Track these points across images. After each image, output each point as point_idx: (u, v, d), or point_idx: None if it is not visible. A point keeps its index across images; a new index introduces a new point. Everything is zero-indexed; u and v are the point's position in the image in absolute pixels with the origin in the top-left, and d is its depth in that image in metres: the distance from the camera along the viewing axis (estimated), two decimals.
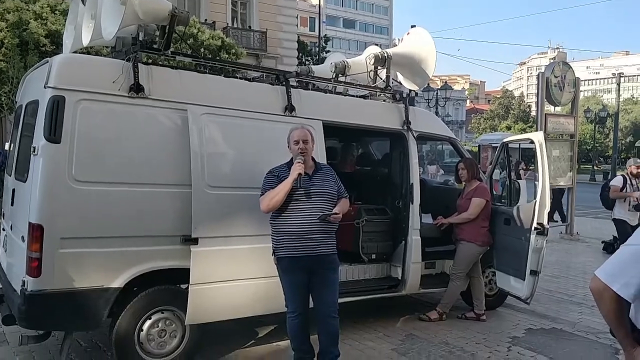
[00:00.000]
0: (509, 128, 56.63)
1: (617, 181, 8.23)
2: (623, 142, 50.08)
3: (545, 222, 5.22)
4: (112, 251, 3.82)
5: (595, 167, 40.01)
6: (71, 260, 3.67)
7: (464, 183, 5.92)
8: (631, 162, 8.52)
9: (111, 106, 3.85)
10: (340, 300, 4.04)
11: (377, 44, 8.10)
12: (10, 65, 11.19)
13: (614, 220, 8.18)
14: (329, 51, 27.83)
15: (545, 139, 5.68)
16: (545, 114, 11.49)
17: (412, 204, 5.40)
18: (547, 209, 5.29)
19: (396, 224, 5.63)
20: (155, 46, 4.28)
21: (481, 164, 22.54)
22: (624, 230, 7.89)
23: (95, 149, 3.76)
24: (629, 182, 7.99)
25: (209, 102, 4.25)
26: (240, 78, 4.97)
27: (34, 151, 3.68)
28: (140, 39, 4.13)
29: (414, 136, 5.55)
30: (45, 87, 3.70)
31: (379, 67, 5.73)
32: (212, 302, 4.16)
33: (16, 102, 5.22)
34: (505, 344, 5.12)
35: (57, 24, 12.07)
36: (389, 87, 5.66)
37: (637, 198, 7.83)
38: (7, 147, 6.39)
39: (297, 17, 27.33)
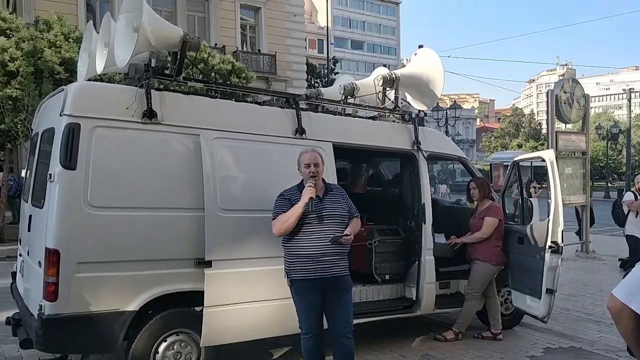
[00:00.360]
0: (520, 146, 56.43)
1: (628, 196, 8.24)
2: (636, 158, 49.70)
3: (559, 240, 5.18)
4: (128, 275, 3.85)
5: (609, 184, 39.60)
6: (87, 285, 3.71)
7: (476, 202, 5.90)
8: (638, 178, 8.56)
9: (125, 132, 3.93)
10: (355, 321, 4.03)
11: (385, 65, 8.21)
12: (26, 94, 11.39)
13: (627, 236, 8.16)
14: (337, 73, 28.13)
15: (556, 157, 5.67)
16: (556, 131, 11.47)
17: (425, 224, 5.38)
18: (561, 226, 5.24)
19: (409, 244, 5.61)
20: (167, 72, 4.36)
21: (493, 182, 22.46)
22: (635, 247, 7.82)
23: (110, 175, 3.82)
24: (638, 198, 7.98)
25: (220, 127, 4.31)
26: (251, 102, 5.04)
27: (50, 178, 3.74)
28: (153, 65, 4.22)
29: (424, 156, 5.56)
30: (61, 115, 3.77)
31: (388, 88, 5.77)
32: (226, 324, 4.17)
33: (32, 130, 5.32)
34: None
35: (71, 51, 12.31)
36: (397, 108, 5.69)
37: None
38: (23, 174, 6.49)
39: (305, 40, 27.65)
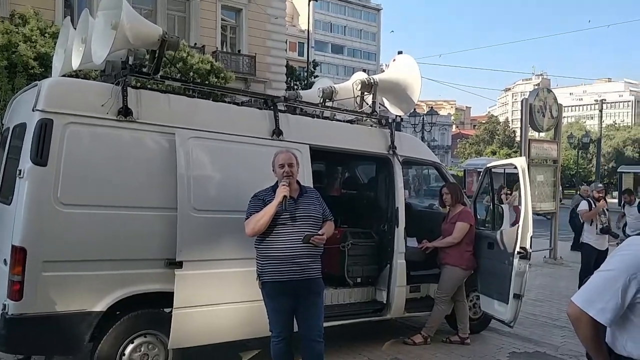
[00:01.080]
0: (494, 153, 57.21)
1: (583, 205, 8.20)
2: (606, 167, 50.79)
3: (528, 246, 5.29)
4: (96, 274, 3.80)
5: (578, 192, 40.46)
6: (54, 284, 3.65)
7: (448, 207, 5.99)
8: (592, 187, 8.58)
9: (99, 129, 3.88)
10: (325, 325, 4.04)
11: (364, 70, 8.29)
12: None
13: (581, 244, 8.14)
14: (317, 76, 28.15)
15: (528, 164, 5.81)
16: (529, 139, 11.70)
17: (398, 227, 5.45)
18: (530, 233, 5.36)
19: (381, 247, 5.67)
20: (144, 70, 4.33)
21: (466, 188, 22.75)
22: (588, 255, 7.84)
23: (82, 172, 3.77)
24: (593, 206, 7.97)
25: (197, 126, 4.29)
26: (229, 102, 5.03)
27: (19, 174, 3.68)
28: (130, 63, 4.19)
29: (399, 161, 5.62)
30: (33, 110, 3.72)
31: (366, 93, 5.83)
32: (195, 326, 4.14)
33: (3, 125, 5.22)
34: None
35: (47, 46, 12.08)
36: (375, 113, 5.75)
37: (601, 228, 7.79)
38: None
39: (286, 42, 27.63)
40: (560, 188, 13.54)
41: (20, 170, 3.68)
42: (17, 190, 3.69)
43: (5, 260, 3.71)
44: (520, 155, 10.97)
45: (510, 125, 73.92)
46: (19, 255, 3.54)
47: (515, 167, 5.62)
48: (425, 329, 5.72)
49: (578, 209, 8.44)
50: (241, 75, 22.17)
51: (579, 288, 2.22)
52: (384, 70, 7.31)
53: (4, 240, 3.81)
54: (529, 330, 6.38)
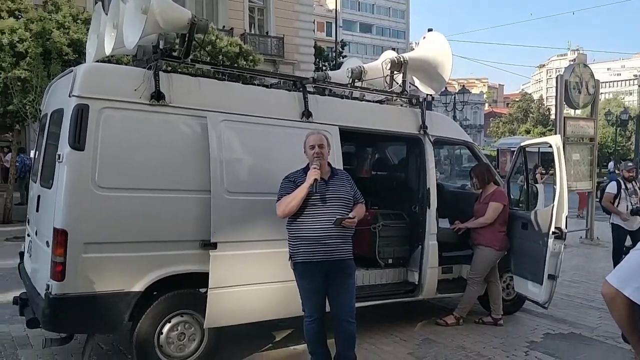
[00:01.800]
0: (528, 132, 56.03)
1: (611, 187, 7.76)
2: None
3: (563, 226, 5.19)
4: (133, 256, 3.91)
5: (617, 171, 39.30)
6: (94, 265, 3.77)
7: (479, 189, 5.92)
8: (623, 165, 8.18)
9: (133, 114, 3.95)
10: (357, 305, 4.07)
11: (393, 48, 8.18)
12: (34, 75, 11.43)
13: (611, 224, 7.78)
14: (345, 56, 27.93)
15: (564, 143, 5.66)
16: (565, 117, 11.40)
17: (429, 208, 5.41)
18: (565, 212, 5.25)
19: (413, 228, 5.65)
20: (175, 54, 4.37)
21: (500, 168, 22.36)
22: (619, 236, 7.57)
23: (117, 156, 3.86)
24: (623, 186, 7.61)
25: (227, 109, 4.33)
26: (258, 84, 5.05)
27: (58, 158, 3.78)
28: (161, 47, 4.23)
29: (430, 141, 5.56)
30: (69, 96, 3.81)
31: (396, 72, 5.76)
32: (230, 305, 4.23)
33: (40, 111, 5.36)
34: (522, 348, 5.09)
35: (79, 33, 12.31)
36: (405, 92, 5.68)
37: (632, 208, 7.40)
38: (32, 154, 6.53)
39: (313, 22, 27.46)
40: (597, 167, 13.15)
41: (59, 155, 3.79)
42: (57, 175, 3.80)
43: (47, 242, 3.85)
44: (555, 134, 10.70)
45: (544, 103, 72.16)
46: (60, 237, 3.66)
47: (550, 146, 5.49)
48: (457, 310, 5.71)
49: (606, 189, 7.98)
50: (269, 57, 22.21)
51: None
52: (413, 49, 7.19)
53: (46, 222, 3.95)
54: (563, 312, 6.29)
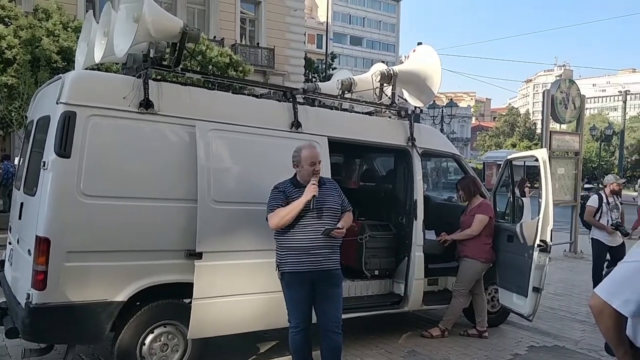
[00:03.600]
0: (514, 145, 56.57)
1: (592, 201, 7.53)
2: (629, 160, 49.89)
3: (548, 239, 5.24)
4: (117, 265, 3.86)
5: (600, 186, 39.74)
6: (76, 274, 3.72)
7: (466, 201, 5.97)
8: (611, 179, 7.81)
9: (121, 122, 3.93)
10: (343, 316, 4.06)
11: (383, 61, 8.22)
12: (22, 81, 11.38)
13: (591, 239, 7.53)
14: (335, 68, 28.07)
15: (550, 157, 5.71)
16: (550, 131, 11.52)
17: (416, 220, 5.43)
18: (550, 226, 5.29)
19: (399, 240, 5.66)
20: (165, 63, 4.37)
21: (485, 181, 22.53)
22: (598, 251, 7.35)
23: (104, 164, 3.83)
24: (605, 200, 7.38)
25: (216, 118, 4.32)
26: (248, 95, 5.06)
27: (43, 166, 3.75)
28: (151, 55, 4.23)
29: (418, 153, 5.60)
30: (57, 103, 3.78)
31: (385, 84, 5.81)
32: (214, 316, 4.20)
33: (27, 118, 5.31)
34: None
35: (69, 40, 12.29)
36: (394, 104, 5.73)
37: (612, 223, 7.22)
38: (16, 161, 6.47)
39: (304, 34, 27.59)
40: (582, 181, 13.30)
41: (44, 162, 3.75)
42: (41, 182, 3.76)
43: (29, 250, 3.79)
44: (542, 147, 10.83)
45: (531, 117, 72.95)
46: (43, 245, 3.61)
47: (536, 159, 5.55)
48: (442, 322, 5.72)
49: (587, 203, 7.77)
50: (260, 67, 22.25)
51: (593, 285, 2.20)
52: (403, 62, 7.26)
53: (29, 230, 3.90)
54: (548, 324, 6.33)
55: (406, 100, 6.46)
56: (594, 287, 2.20)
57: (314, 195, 3.82)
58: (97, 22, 4.72)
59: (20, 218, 4.37)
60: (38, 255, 3.62)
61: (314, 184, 3.86)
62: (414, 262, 5.40)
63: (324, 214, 3.90)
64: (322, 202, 3.91)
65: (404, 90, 6.33)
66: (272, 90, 5.26)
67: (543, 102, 11.82)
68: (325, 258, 3.89)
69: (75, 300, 3.71)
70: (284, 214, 3.81)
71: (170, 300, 4.19)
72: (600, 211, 7.41)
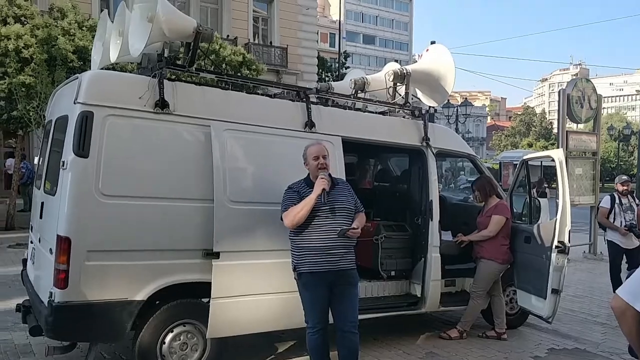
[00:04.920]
0: (530, 145, 56.04)
1: (604, 202, 7.42)
2: None
3: (566, 240, 5.16)
4: (136, 264, 3.89)
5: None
6: (97, 273, 3.75)
7: (482, 202, 5.90)
8: (617, 179, 7.69)
9: (137, 121, 3.95)
10: (360, 317, 4.05)
11: (397, 60, 8.20)
12: (39, 81, 11.47)
13: (607, 241, 7.42)
14: (348, 67, 28.05)
15: (567, 157, 5.64)
16: (567, 131, 11.37)
17: (432, 220, 5.39)
18: (568, 226, 5.22)
19: (415, 240, 5.62)
20: (179, 62, 4.38)
21: (502, 181, 22.35)
22: (614, 254, 7.26)
23: (121, 164, 3.85)
24: (617, 201, 7.28)
25: (231, 118, 4.33)
26: (262, 94, 5.05)
27: (62, 165, 3.77)
28: (166, 55, 4.24)
29: (433, 152, 5.55)
30: (74, 103, 3.80)
31: (398, 84, 5.76)
32: (232, 316, 4.20)
33: (44, 117, 5.36)
34: None
35: (85, 39, 12.37)
36: (408, 104, 5.69)
37: (625, 225, 7.08)
38: (35, 161, 6.52)
39: (317, 33, 27.62)
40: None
41: (63, 162, 3.77)
42: (61, 182, 3.79)
43: (51, 250, 3.83)
44: (558, 148, 10.69)
45: (547, 116, 72.25)
46: (64, 244, 3.64)
47: (553, 160, 5.48)
48: (460, 324, 5.66)
49: (600, 204, 7.72)
50: (273, 67, 22.28)
51: (612, 287, 2.16)
52: (416, 61, 7.21)
53: (50, 230, 3.93)
54: (567, 327, 6.24)
55: (420, 100, 6.42)
56: (614, 289, 2.16)
57: (324, 189, 3.80)
58: (112, 22, 4.75)
59: (41, 217, 4.41)
60: (59, 255, 3.66)
61: (322, 178, 3.85)
62: (430, 263, 5.35)
63: (338, 213, 3.89)
64: (335, 201, 3.90)
65: (417, 90, 6.28)
66: (285, 90, 5.25)
67: (559, 101, 11.66)
68: (341, 258, 3.87)
69: (96, 298, 3.74)
70: (297, 211, 3.81)
71: (189, 300, 4.20)
72: (613, 212, 7.31)
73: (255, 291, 4.28)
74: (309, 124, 4.73)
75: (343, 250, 3.88)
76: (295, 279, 3.97)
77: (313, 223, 3.84)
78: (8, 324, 5.48)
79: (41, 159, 4.96)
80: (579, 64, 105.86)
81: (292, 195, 3.91)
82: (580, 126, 14.51)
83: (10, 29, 11.71)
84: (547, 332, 5.97)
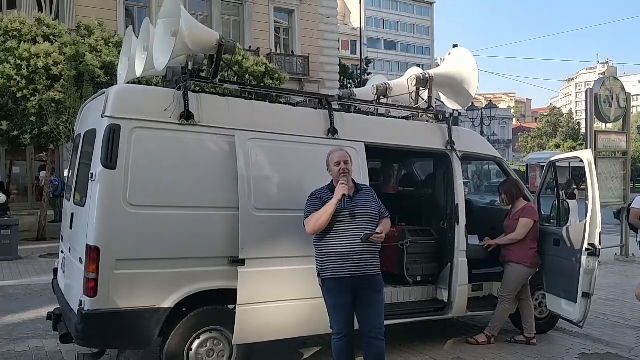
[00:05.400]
0: (557, 146, 55.10)
1: (637, 203, 7.13)
2: None
3: (597, 242, 5.06)
4: (164, 272, 3.96)
5: None
6: (125, 281, 3.83)
7: (509, 205, 5.83)
8: None
9: (163, 133, 4.03)
10: (386, 323, 4.03)
11: (419, 65, 8.18)
12: (68, 97, 11.81)
13: (639, 243, 7.25)
14: (370, 73, 28.05)
15: (596, 157, 5.54)
16: (595, 131, 11.15)
17: (458, 225, 5.34)
18: (599, 228, 5.12)
19: (442, 245, 5.58)
20: (203, 75, 4.47)
21: (529, 183, 21.99)
22: None
23: (148, 175, 3.93)
24: None
25: (255, 128, 4.38)
26: (285, 103, 5.10)
27: (91, 177, 3.88)
28: (190, 68, 4.32)
29: (458, 156, 5.52)
30: (102, 117, 3.91)
31: (421, 88, 5.75)
32: (258, 322, 4.23)
33: (74, 131, 5.51)
34: None
35: (111, 55, 12.69)
36: (431, 108, 5.67)
37: None
38: (65, 174, 6.70)
39: (338, 41, 27.68)
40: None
41: (92, 174, 3.88)
42: (90, 193, 3.90)
43: (80, 259, 3.93)
44: (586, 148, 10.49)
45: (574, 117, 70.92)
46: (93, 254, 3.74)
47: (581, 161, 5.39)
48: (488, 329, 5.59)
49: (632, 204, 7.38)
50: (295, 76, 22.44)
51: None
52: (439, 65, 7.17)
53: (80, 240, 4.04)
54: (599, 331, 6.10)
55: (444, 104, 6.39)
56: None
57: (344, 195, 3.81)
58: (137, 37, 4.87)
59: (71, 228, 4.53)
60: (89, 264, 3.75)
61: (342, 183, 3.87)
62: (457, 267, 5.31)
63: (361, 218, 3.89)
64: (356, 206, 3.91)
65: (440, 94, 6.25)
66: (308, 98, 5.29)
67: (586, 101, 11.45)
68: (365, 263, 3.87)
69: (124, 306, 3.82)
70: (318, 217, 3.83)
71: (215, 307, 4.25)
72: None
73: (281, 297, 4.30)
74: (332, 131, 4.75)
75: (367, 256, 3.87)
76: (319, 285, 3.98)
77: (335, 228, 3.86)
78: (40, 332, 5.63)
79: (71, 171, 5.09)
80: (606, 62, 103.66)
81: (315, 202, 3.94)
82: (609, 125, 14.22)
83: (40, 48, 12.10)
84: (577, 336, 5.85)
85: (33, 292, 7.63)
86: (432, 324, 5.59)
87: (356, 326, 3.99)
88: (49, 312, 4.68)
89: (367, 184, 4.58)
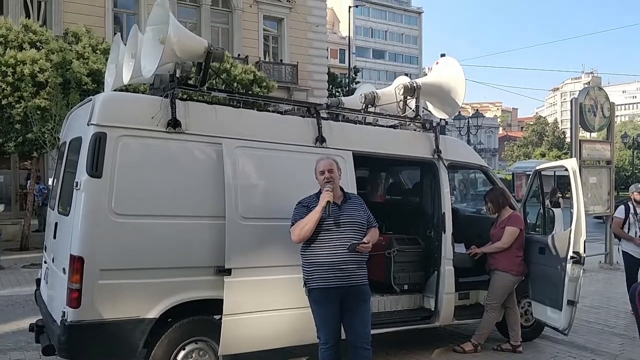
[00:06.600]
0: (543, 155, 55.62)
1: (619, 212, 7.31)
2: None
3: (581, 250, 5.11)
4: (149, 282, 3.91)
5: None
6: (110, 291, 3.78)
7: (495, 213, 5.87)
8: (633, 187, 7.49)
9: (149, 141, 4.01)
10: (372, 332, 4.02)
11: (407, 74, 8.20)
12: (54, 104, 11.70)
13: (622, 252, 7.33)
14: (358, 82, 28.19)
15: (580, 166, 5.60)
16: (580, 140, 11.30)
17: (445, 233, 5.37)
18: (583, 236, 5.17)
19: (428, 254, 5.60)
20: (191, 82, 4.45)
21: (515, 192, 22.16)
22: (629, 264, 7.15)
23: (134, 183, 3.90)
24: (632, 211, 7.15)
25: (242, 136, 4.37)
26: (272, 111, 5.10)
27: (76, 186, 3.83)
28: (177, 75, 4.31)
29: (444, 165, 5.55)
30: (88, 124, 3.88)
31: (409, 97, 5.79)
32: (244, 332, 4.20)
33: (59, 139, 5.45)
34: None
35: (98, 62, 12.60)
36: (418, 117, 5.70)
37: (637, 237, 7.01)
38: (50, 182, 6.62)
39: (327, 50, 27.80)
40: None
41: (77, 183, 3.84)
42: (75, 202, 3.85)
43: (64, 269, 3.87)
44: (571, 157, 10.61)
45: (559, 126, 71.74)
46: (77, 264, 3.68)
47: (566, 169, 5.45)
48: (475, 337, 5.60)
49: (614, 214, 7.59)
50: (283, 84, 22.45)
51: (630, 298, 2.14)
52: (426, 74, 7.23)
53: (63, 249, 3.98)
54: (584, 338, 6.14)
55: (431, 113, 6.44)
56: (631, 300, 2.14)
57: (328, 202, 3.81)
58: (125, 44, 4.85)
59: (55, 237, 4.47)
60: (72, 274, 3.69)
61: (327, 190, 3.86)
62: (444, 276, 5.32)
63: (347, 227, 3.88)
64: (342, 215, 3.91)
65: (428, 103, 6.30)
66: (296, 106, 5.29)
67: (571, 110, 11.60)
68: (352, 274, 3.86)
69: (108, 317, 3.77)
70: (304, 224, 3.82)
71: (201, 317, 4.21)
72: (627, 222, 7.19)
73: (267, 307, 4.28)
74: (320, 139, 4.76)
75: (354, 266, 3.86)
76: (306, 294, 3.97)
77: (320, 237, 3.85)
78: (21, 344, 5.54)
79: (55, 180, 5.03)
80: (591, 72, 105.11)
81: (301, 210, 3.93)
82: (594, 135, 14.39)
83: (26, 54, 11.99)
84: (563, 344, 5.88)
85: (15, 303, 7.51)
86: (419, 333, 5.58)
87: (343, 335, 3.97)
88: (31, 324, 4.60)
89: (355, 192, 4.58)
